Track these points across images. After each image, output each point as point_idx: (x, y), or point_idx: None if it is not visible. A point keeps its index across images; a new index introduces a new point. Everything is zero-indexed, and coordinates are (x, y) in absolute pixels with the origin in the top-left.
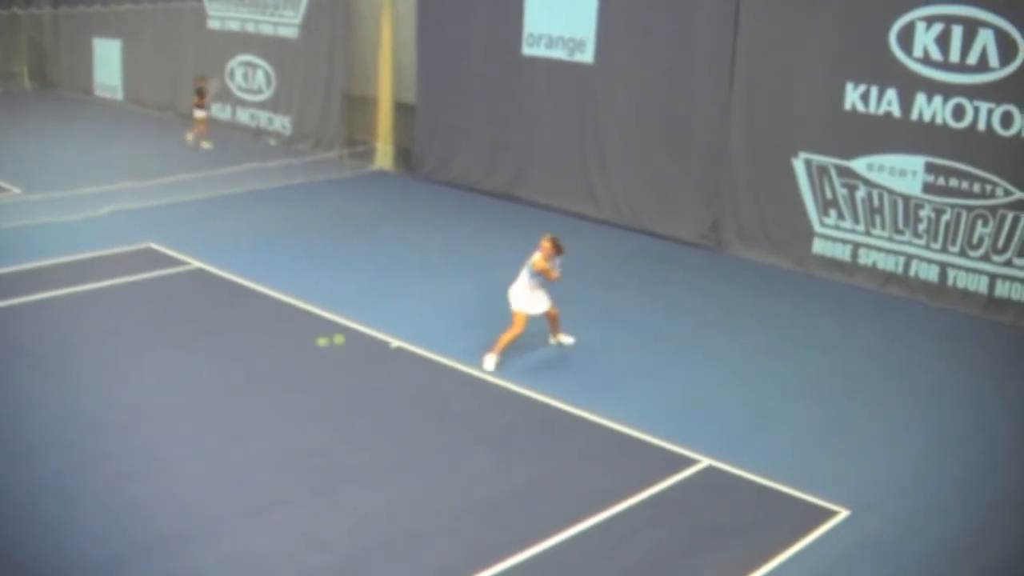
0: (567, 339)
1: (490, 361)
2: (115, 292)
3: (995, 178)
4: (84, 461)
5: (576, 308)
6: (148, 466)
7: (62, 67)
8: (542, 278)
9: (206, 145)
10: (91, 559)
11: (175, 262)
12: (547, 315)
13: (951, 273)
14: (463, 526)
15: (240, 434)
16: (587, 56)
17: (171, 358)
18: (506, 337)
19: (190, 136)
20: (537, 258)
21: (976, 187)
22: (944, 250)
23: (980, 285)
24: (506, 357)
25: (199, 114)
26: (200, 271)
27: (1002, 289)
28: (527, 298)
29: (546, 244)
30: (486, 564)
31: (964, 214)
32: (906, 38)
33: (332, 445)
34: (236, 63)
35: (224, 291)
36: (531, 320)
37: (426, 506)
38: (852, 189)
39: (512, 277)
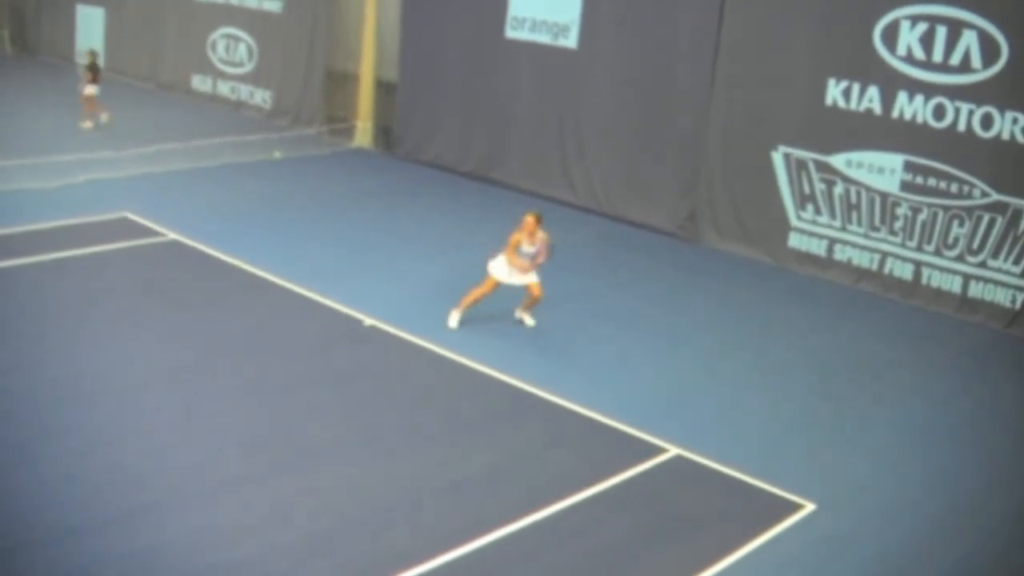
0: (529, 320)
1: (454, 317)
2: (89, 261)
3: (973, 179)
4: (50, 432)
5: (549, 291)
6: (114, 439)
7: (44, 33)
8: (531, 256)
9: (89, 125)
10: (54, 531)
11: (151, 232)
12: (527, 288)
13: (925, 272)
14: (426, 508)
15: (207, 408)
16: (570, 41)
17: (142, 329)
18: (472, 294)
19: (88, 121)
20: (515, 235)
21: (954, 187)
22: (919, 249)
23: (954, 285)
24: (479, 337)
25: (91, 90)
26: (176, 242)
27: (975, 290)
28: (504, 267)
29: (528, 219)
30: (449, 547)
31: (940, 214)
32: (890, 36)
33: (299, 421)
34: (219, 35)
35: (199, 263)
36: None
37: (390, 486)
38: (830, 184)
39: (486, 258)
